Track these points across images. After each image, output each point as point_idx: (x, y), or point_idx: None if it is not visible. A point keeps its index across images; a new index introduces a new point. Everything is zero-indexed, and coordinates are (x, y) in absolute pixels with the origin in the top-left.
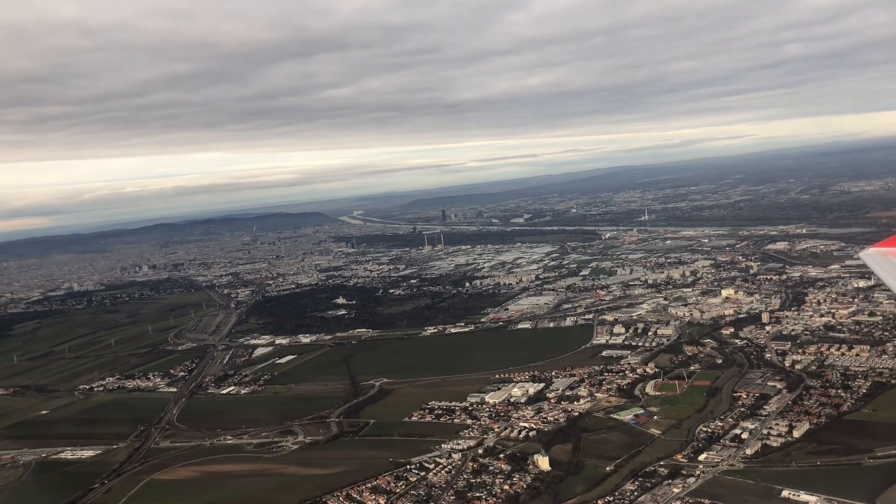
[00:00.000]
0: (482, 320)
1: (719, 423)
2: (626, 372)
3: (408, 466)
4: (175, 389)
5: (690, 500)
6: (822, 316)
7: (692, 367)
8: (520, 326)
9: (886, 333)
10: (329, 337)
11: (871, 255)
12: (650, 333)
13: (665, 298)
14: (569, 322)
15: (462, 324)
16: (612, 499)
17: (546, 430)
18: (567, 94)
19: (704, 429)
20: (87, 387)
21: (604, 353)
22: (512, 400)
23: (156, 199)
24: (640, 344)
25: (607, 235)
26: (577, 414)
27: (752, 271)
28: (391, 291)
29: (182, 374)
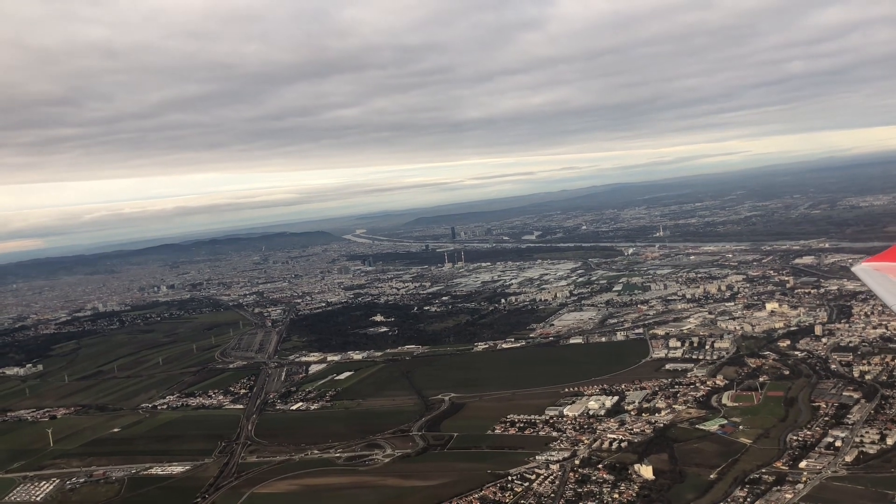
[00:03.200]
0: (531, 335)
1: (808, 432)
2: (697, 384)
3: (509, 478)
4: (241, 406)
5: None
6: (875, 328)
7: (761, 379)
8: (571, 341)
9: None
10: (379, 354)
11: (865, 270)
12: (707, 347)
13: (710, 312)
14: (620, 336)
15: (512, 339)
16: None
17: (636, 441)
18: (568, 112)
19: (794, 437)
20: (150, 405)
21: (667, 367)
22: (591, 413)
23: (155, 219)
24: (700, 357)
25: (630, 251)
26: (661, 425)
27: (788, 285)
28: (426, 308)
29: (243, 391)
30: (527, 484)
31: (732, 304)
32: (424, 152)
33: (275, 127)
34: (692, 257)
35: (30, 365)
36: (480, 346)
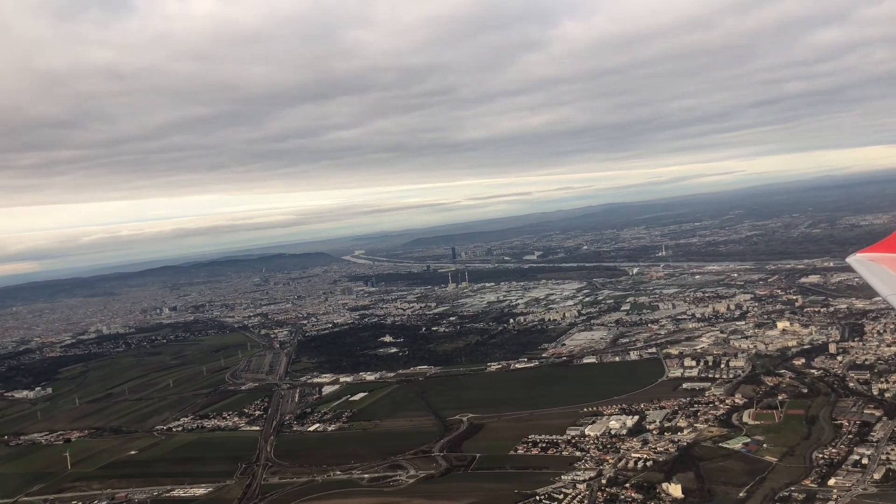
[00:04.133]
0: (543, 355)
1: (833, 450)
2: (716, 403)
3: (536, 497)
4: (258, 428)
5: None
6: (889, 345)
7: (780, 397)
8: (585, 361)
9: None
10: (392, 374)
11: (859, 261)
12: (722, 366)
13: (721, 331)
14: (634, 356)
15: (524, 359)
16: None
17: (661, 459)
18: (566, 132)
19: (820, 455)
20: (165, 427)
21: (684, 386)
22: (612, 432)
23: (153, 241)
24: (717, 376)
25: (634, 271)
26: (685, 444)
27: (797, 304)
28: (434, 329)
29: (258, 412)
30: None
31: (743, 322)
32: (421, 173)
33: (275, 148)
34: (697, 276)
35: (38, 388)
36: (494, 367)
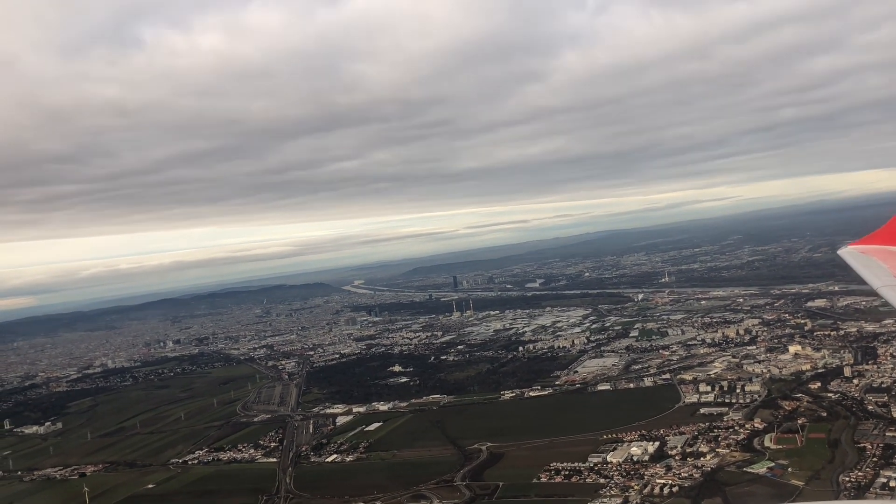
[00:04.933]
0: (557, 383)
1: (859, 473)
2: (735, 427)
3: None
4: (275, 459)
5: None
6: None
7: (800, 421)
8: (599, 388)
9: None
10: (405, 404)
11: (850, 253)
12: (738, 390)
13: (733, 356)
14: (648, 382)
15: (538, 387)
16: None
17: (686, 485)
18: (563, 160)
19: (846, 479)
20: (180, 460)
21: (702, 411)
22: (635, 458)
23: (151, 274)
24: (733, 401)
25: (640, 297)
26: (709, 469)
27: (806, 328)
28: (443, 358)
29: (273, 444)
30: None
31: (754, 347)
32: (419, 202)
33: (275, 180)
34: (703, 302)
35: (48, 423)
36: (507, 395)
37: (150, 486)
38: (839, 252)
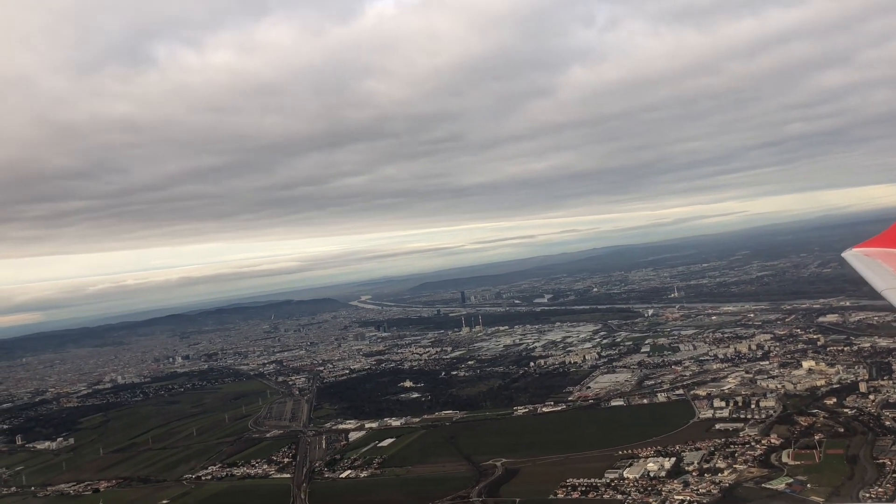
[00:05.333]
0: (569, 398)
1: (879, 489)
2: (752, 443)
3: None
4: (289, 475)
5: None
6: None
7: (817, 437)
8: (613, 404)
9: None
10: (417, 420)
11: (855, 255)
12: (752, 406)
13: (746, 372)
14: (661, 398)
15: (551, 402)
16: None
17: (704, 501)
18: (570, 176)
19: (867, 495)
20: (193, 475)
21: (717, 427)
22: (651, 474)
23: (158, 290)
24: (748, 417)
25: (650, 312)
26: (727, 485)
27: (819, 343)
28: (454, 373)
29: (286, 459)
30: None
31: (767, 362)
32: (426, 217)
33: (283, 196)
34: (713, 317)
35: (60, 438)
36: (520, 410)
37: (164, 501)
38: (843, 255)
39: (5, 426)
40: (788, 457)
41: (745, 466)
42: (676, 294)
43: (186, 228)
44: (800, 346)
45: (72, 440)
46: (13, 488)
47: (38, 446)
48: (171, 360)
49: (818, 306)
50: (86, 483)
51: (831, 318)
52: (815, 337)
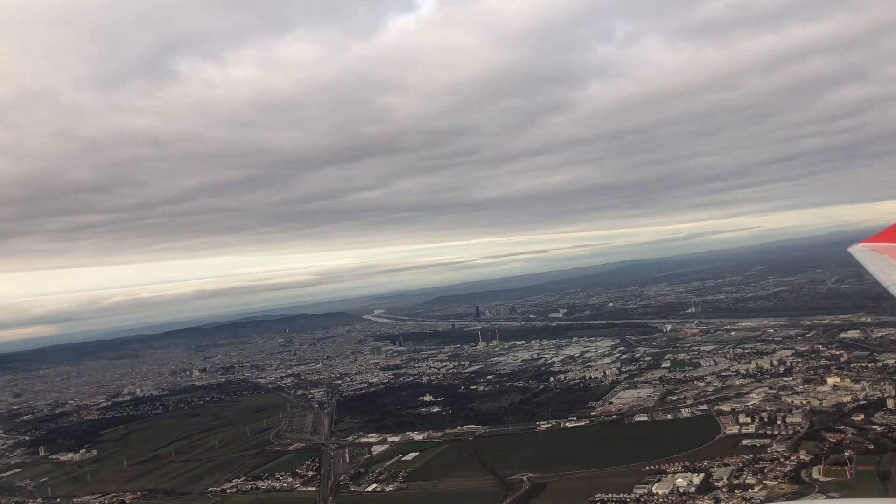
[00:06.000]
0: (592, 414)
1: None
2: (781, 459)
3: None
4: (314, 488)
5: None
6: None
7: (847, 453)
8: (636, 419)
9: None
10: (439, 434)
11: (861, 250)
12: (779, 422)
13: (770, 388)
14: (686, 413)
15: (574, 418)
16: None
17: None
18: (584, 191)
19: None
20: (218, 488)
21: (744, 443)
22: (681, 490)
23: (172, 303)
24: (775, 433)
25: (668, 328)
26: (757, 501)
27: (842, 359)
28: (473, 388)
29: (310, 473)
30: None
31: (790, 378)
32: (439, 232)
33: (299, 210)
34: (732, 333)
35: (83, 450)
36: (543, 426)
37: None
38: (850, 249)
39: (27, 437)
40: (819, 473)
41: (775, 482)
42: (693, 309)
43: (202, 242)
44: (822, 361)
45: (94, 452)
46: (39, 500)
47: (62, 458)
48: (188, 372)
49: (838, 322)
50: (111, 495)
51: (853, 334)
52: (837, 353)
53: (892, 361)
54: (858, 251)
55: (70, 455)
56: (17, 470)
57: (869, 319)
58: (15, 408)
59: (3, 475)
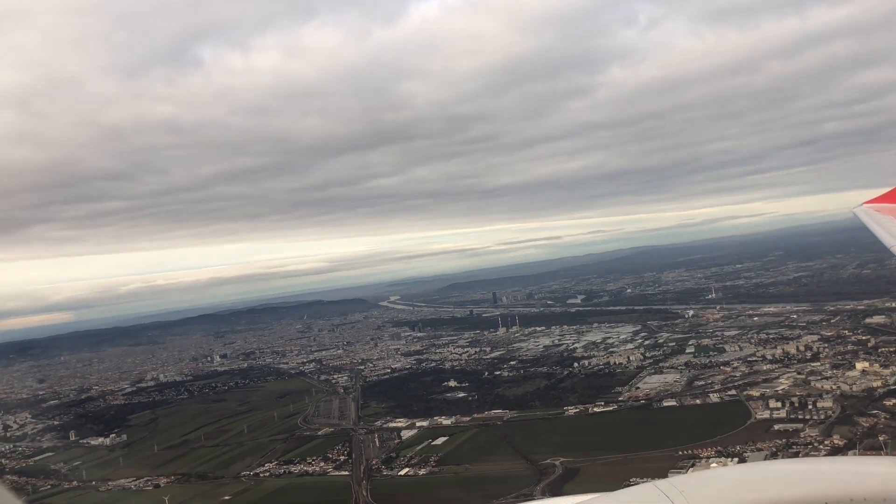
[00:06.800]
0: (620, 399)
1: None
2: (814, 444)
3: None
4: (347, 472)
5: None
6: None
7: (881, 438)
8: (665, 404)
9: None
10: (467, 419)
11: (865, 211)
12: (809, 407)
13: (798, 373)
14: (714, 399)
15: (602, 403)
16: None
17: None
18: (600, 176)
19: None
20: (251, 472)
21: (776, 428)
22: None
23: (188, 290)
24: (807, 417)
25: (690, 313)
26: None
27: (870, 344)
28: (497, 373)
29: (342, 457)
30: None
31: (818, 363)
32: (454, 218)
33: (315, 197)
34: (755, 318)
35: (113, 435)
36: (571, 410)
37: (226, 497)
38: (854, 210)
39: (55, 422)
40: None
41: None
42: (714, 295)
43: (218, 229)
44: (849, 347)
45: (124, 436)
46: (74, 482)
47: (92, 442)
48: (209, 358)
49: (863, 307)
50: (145, 479)
51: (878, 319)
52: (864, 338)
53: None
54: (862, 212)
55: (101, 440)
56: (50, 454)
57: (894, 304)
58: (41, 393)
59: (36, 459)
